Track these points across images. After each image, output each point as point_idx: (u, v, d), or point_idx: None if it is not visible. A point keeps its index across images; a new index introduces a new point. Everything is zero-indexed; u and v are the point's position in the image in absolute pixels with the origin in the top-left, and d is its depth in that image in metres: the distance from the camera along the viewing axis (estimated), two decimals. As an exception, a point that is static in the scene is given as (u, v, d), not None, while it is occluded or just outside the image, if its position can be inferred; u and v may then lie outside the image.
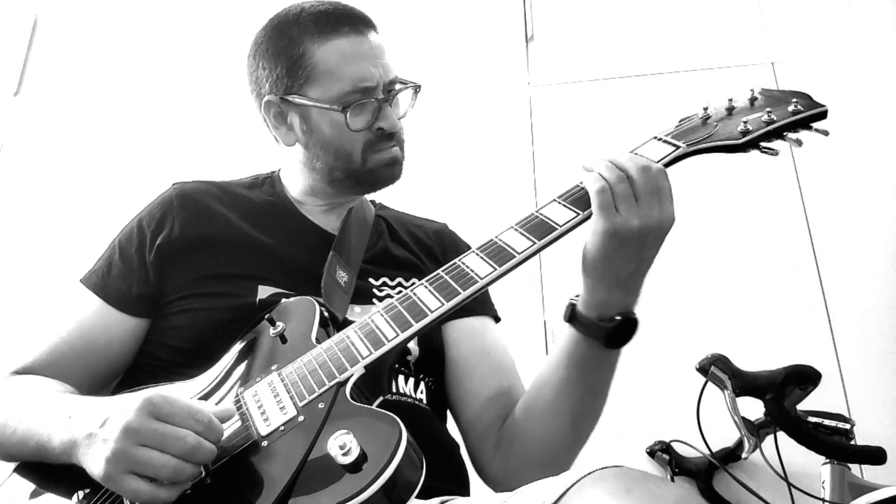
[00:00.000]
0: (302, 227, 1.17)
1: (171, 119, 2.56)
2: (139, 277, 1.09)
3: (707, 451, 1.44)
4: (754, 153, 0.94)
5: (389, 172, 1.14)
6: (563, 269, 2.02)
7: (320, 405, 0.82)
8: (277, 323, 0.96)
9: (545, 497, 0.68)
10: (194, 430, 0.77)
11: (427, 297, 0.89)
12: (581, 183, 0.93)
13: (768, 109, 0.94)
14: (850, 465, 1.51)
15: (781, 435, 1.44)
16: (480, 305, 1.18)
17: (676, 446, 1.76)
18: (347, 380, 0.84)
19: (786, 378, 1.42)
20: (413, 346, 1.08)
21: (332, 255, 1.10)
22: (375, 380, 0.89)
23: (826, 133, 0.93)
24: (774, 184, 2.07)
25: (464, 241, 1.29)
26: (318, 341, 0.92)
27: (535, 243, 0.88)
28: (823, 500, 1.46)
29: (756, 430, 1.52)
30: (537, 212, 0.92)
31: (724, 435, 1.61)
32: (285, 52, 1.12)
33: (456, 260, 0.92)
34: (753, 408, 1.49)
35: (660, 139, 0.97)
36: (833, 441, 1.46)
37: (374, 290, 1.12)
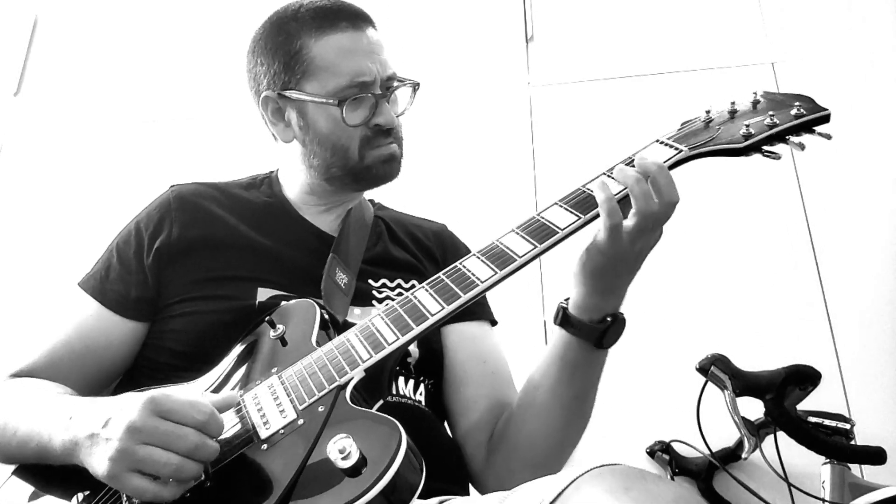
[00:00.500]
0: (300, 228, 1.16)
1: (170, 119, 2.56)
2: (137, 281, 1.08)
3: (707, 451, 1.44)
4: (756, 157, 0.94)
5: (387, 169, 1.13)
6: (563, 269, 2.02)
7: (320, 408, 0.82)
8: (278, 325, 0.96)
9: (543, 495, 0.68)
10: (197, 421, 0.77)
11: (428, 300, 0.89)
12: (582, 186, 0.93)
13: (771, 113, 0.94)
14: (850, 465, 1.51)
15: (781, 435, 1.44)
16: (479, 309, 1.18)
17: (676, 446, 1.76)
18: (347, 383, 0.84)
19: (786, 378, 1.42)
20: (413, 347, 1.08)
21: (332, 257, 1.09)
22: (376, 383, 0.88)
23: (829, 137, 0.93)
24: (774, 183, 2.07)
25: (463, 243, 1.28)
26: (319, 344, 0.92)
27: (536, 247, 0.88)
28: (823, 500, 1.46)
29: (756, 430, 1.52)
30: (538, 215, 0.92)
31: (724, 435, 1.61)
32: (283, 48, 1.12)
33: (457, 263, 0.92)
34: (753, 408, 1.49)
35: (662, 142, 0.97)
36: (833, 441, 1.45)
37: (374, 292, 1.12)
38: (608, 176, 0.92)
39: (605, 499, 0.64)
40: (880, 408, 1.81)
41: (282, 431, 0.81)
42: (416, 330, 0.87)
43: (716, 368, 1.43)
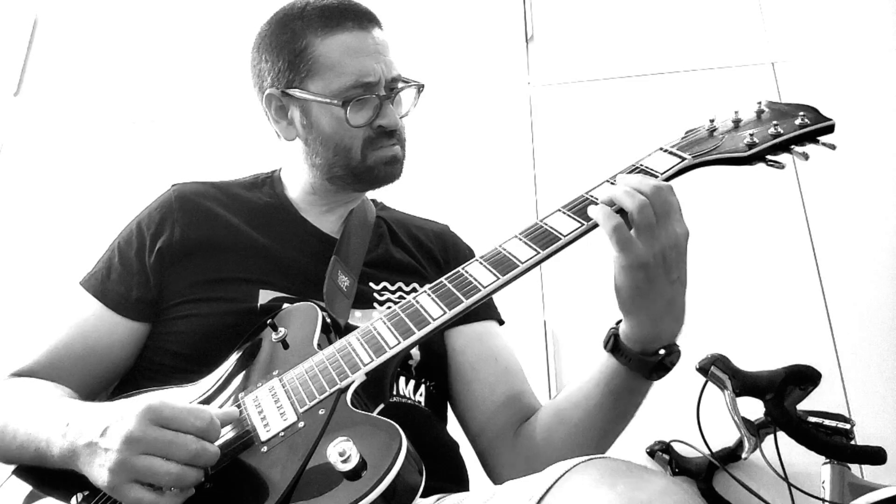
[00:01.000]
0: (302, 229, 1.16)
1: (170, 119, 2.56)
2: (139, 282, 1.08)
3: (707, 451, 1.44)
4: (760, 166, 0.93)
5: (389, 171, 1.13)
6: (564, 270, 2.02)
7: (321, 411, 0.82)
8: (279, 328, 0.95)
9: (532, 492, 0.68)
10: (196, 429, 0.77)
11: (430, 304, 0.89)
12: (586, 193, 0.92)
13: (775, 122, 0.94)
14: (850, 465, 1.51)
15: (781, 435, 1.44)
16: (485, 310, 1.17)
17: (676, 446, 1.76)
18: (348, 387, 0.84)
19: (786, 378, 1.42)
20: (415, 350, 1.07)
21: (334, 260, 1.09)
22: (377, 386, 0.88)
23: (833, 147, 0.93)
24: (774, 184, 2.07)
25: (465, 244, 1.28)
26: (320, 347, 0.92)
27: (538, 253, 0.88)
28: (823, 500, 1.46)
29: (756, 430, 1.52)
30: (541, 221, 0.92)
31: (724, 435, 1.61)
32: (288, 46, 1.11)
33: (459, 268, 0.91)
34: (753, 408, 1.49)
35: (665, 150, 0.96)
36: (833, 441, 1.45)
37: (375, 295, 1.11)
38: (611, 184, 0.92)
39: (592, 489, 0.64)
40: (880, 408, 1.81)
41: (282, 434, 0.81)
42: (418, 334, 0.86)
43: (716, 368, 1.43)
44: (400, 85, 1.12)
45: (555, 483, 0.67)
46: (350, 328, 0.96)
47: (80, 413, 0.85)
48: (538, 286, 2.08)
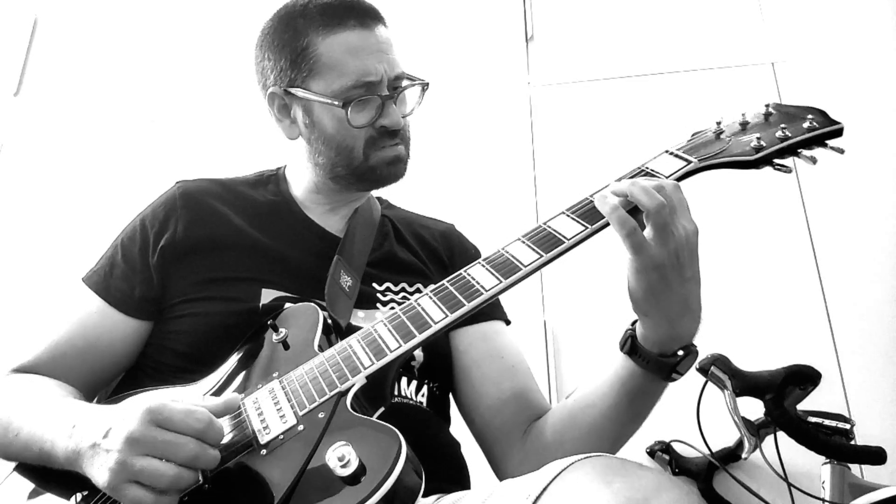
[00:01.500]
0: (305, 228, 1.16)
1: (170, 119, 2.56)
2: (142, 279, 1.07)
3: (707, 451, 1.44)
4: (767, 170, 0.92)
5: (392, 171, 1.12)
6: (564, 270, 2.02)
7: (320, 415, 0.81)
8: (280, 329, 0.95)
9: (529, 490, 0.68)
10: (195, 430, 0.77)
11: (431, 307, 0.88)
12: (590, 196, 0.91)
13: (783, 125, 0.93)
14: (850, 465, 1.51)
15: (781, 435, 1.44)
16: (490, 310, 1.16)
17: (676, 446, 1.76)
18: (348, 390, 0.83)
19: (786, 378, 1.42)
20: (418, 351, 1.07)
21: (337, 260, 1.08)
22: (378, 389, 0.88)
23: (842, 151, 0.91)
24: (774, 184, 2.07)
25: (471, 244, 1.27)
26: (321, 348, 0.92)
27: (541, 256, 0.87)
28: (823, 500, 1.46)
29: (756, 430, 1.52)
30: (545, 224, 0.91)
31: (724, 435, 1.61)
32: (290, 44, 1.10)
33: (461, 271, 0.91)
34: (753, 408, 1.48)
35: (671, 153, 0.95)
36: (833, 441, 1.45)
37: (378, 295, 1.11)
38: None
39: (588, 487, 0.64)
40: (880, 408, 1.81)
41: (281, 437, 0.81)
42: (419, 338, 0.86)
43: (716, 368, 1.43)
44: (404, 84, 1.11)
45: (552, 481, 0.67)
46: (352, 329, 0.95)
47: (85, 415, 0.85)
48: (538, 286, 2.08)
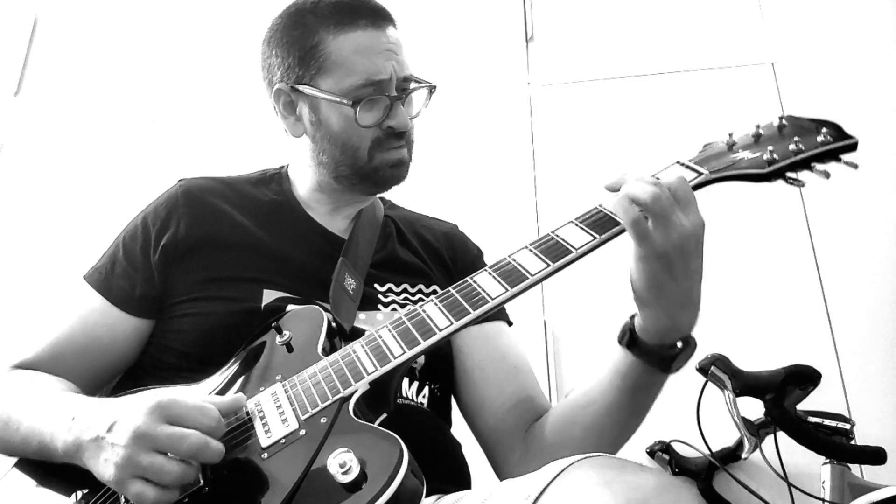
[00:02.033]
0: (308, 229, 1.15)
1: (170, 119, 2.56)
2: (143, 278, 1.07)
3: (707, 451, 1.43)
4: (779, 183, 0.92)
5: (394, 173, 1.12)
6: (564, 270, 2.02)
7: (322, 420, 0.81)
8: (284, 331, 0.94)
9: (529, 490, 0.68)
10: (207, 426, 0.77)
11: (436, 314, 0.87)
12: (600, 206, 0.90)
13: (796, 138, 0.91)
14: (850, 465, 1.51)
15: (781, 435, 1.44)
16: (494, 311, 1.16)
17: (676, 446, 1.76)
18: (351, 395, 0.83)
19: (786, 378, 1.42)
20: None
21: (342, 262, 1.08)
22: (381, 396, 0.87)
23: (855, 166, 0.90)
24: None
25: (474, 244, 1.27)
26: (325, 352, 0.91)
27: (549, 265, 0.87)
28: (823, 500, 1.46)
29: (756, 430, 1.52)
30: (553, 233, 0.90)
31: (724, 435, 1.61)
32: (299, 41, 1.10)
33: (467, 278, 0.90)
34: (753, 408, 1.48)
35: (683, 164, 0.95)
36: (833, 441, 1.45)
37: (380, 297, 1.10)
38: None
39: (589, 487, 0.64)
40: (880, 408, 1.81)
41: (283, 441, 0.81)
42: (423, 345, 0.85)
43: (716, 368, 1.43)
44: (412, 86, 1.11)
45: (552, 481, 0.67)
46: (355, 332, 0.95)
47: (85, 407, 0.85)
48: (538, 287, 2.07)
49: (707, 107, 2.16)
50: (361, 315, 1.06)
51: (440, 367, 1.11)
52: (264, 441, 0.81)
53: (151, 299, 1.07)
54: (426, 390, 1.08)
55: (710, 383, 1.44)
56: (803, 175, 0.92)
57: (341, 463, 0.71)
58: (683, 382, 1.57)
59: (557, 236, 0.89)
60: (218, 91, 2.54)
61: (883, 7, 2.29)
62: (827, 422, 1.50)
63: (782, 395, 1.42)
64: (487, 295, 0.87)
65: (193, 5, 2.74)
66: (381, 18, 1.10)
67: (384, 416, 0.87)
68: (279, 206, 1.17)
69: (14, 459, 0.95)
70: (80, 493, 0.87)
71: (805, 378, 1.44)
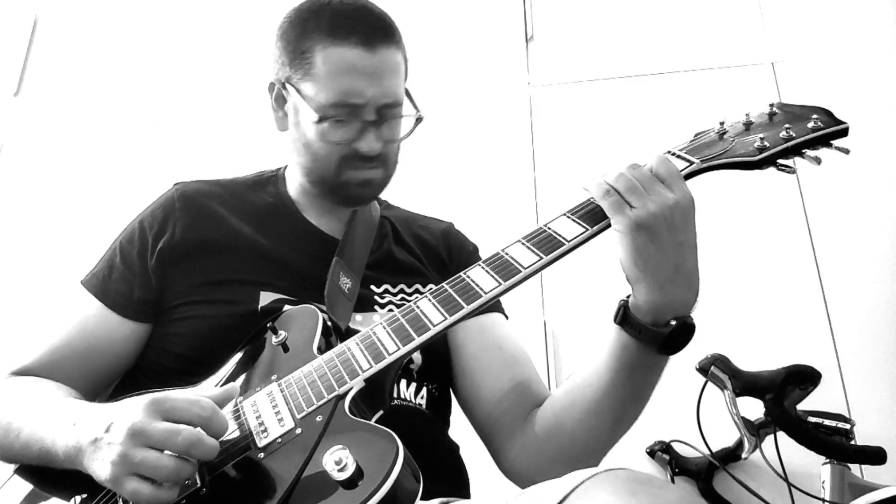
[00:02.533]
0: (304, 230, 1.15)
1: (170, 119, 2.56)
2: (141, 282, 1.07)
3: (707, 451, 1.44)
4: (770, 170, 0.91)
5: (362, 192, 1.11)
6: (563, 270, 2.02)
7: (318, 418, 0.81)
8: (280, 332, 0.95)
9: (549, 499, 0.68)
10: (200, 418, 0.77)
11: (430, 310, 0.87)
12: (591, 198, 0.90)
13: (787, 125, 0.91)
14: (850, 465, 1.51)
15: (781, 435, 1.44)
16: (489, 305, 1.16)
17: (676, 446, 1.76)
18: (346, 393, 0.83)
19: (786, 378, 1.42)
20: (416, 354, 1.06)
21: (336, 262, 1.08)
22: (376, 393, 0.87)
23: (847, 151, 0.90)
24: (774, 183, 2.07)
25: (470, 242, 1.27)
26: (320, 351, 0.91)
27: (541, 258, 0.86)
28: (823, 500, 1.46)
29: (756, 430, 1.52)
30: (545, 226, 0.90)
31: (724, 435, 1.61)
32: (294, 42, 1.09)
33: (461, 273, 0.90)
34: (753, 408, 1.49)
35: (673, 154, 0.95)
36: (833, 441, 1.46)
37: (376, 297, 1.10)
38: None
39: (610, 501, 0.63)
40: (880, 408, 1.81)
41: (279, 440, 0.81)
42: (417, 340, 0.85)
43: (716, 368, 1.43)
44: (392, 112, 1.08)
45: (572, 491, 0.67)
46: (351, 332, 0.95)
47: (86, 412, 0.85)
48: (538, 286, 2.08)
49: (707, 107, 2.16)
50: (358, 317, 1.06)
51: (438, 366, 1.11)
52: (260, 441, 0.81)
53: (149, 303, 1.07)
54: (424, 391, 1.08)
55: (710, 383, 1.44)
56: (795, 162, 0.91)
57: (337, 460, 0.71)
58: (683, 382, 1.58)
59: (550, 229, 0.89)
60: (218, 91, 2.54)
61: (883, 7, 2.29)
62: (827, 422, 1.50)
63: (782, 395, 1.42)
64: (481, 289, 0.87)
65: (193, 6, 2.74)
66: (377, 38, 1.06)
67: (380, 413, 0.87)
68: (275, 208, 1.17)
69: (14, 466, 0.95)
70: (79, 498, 0.87)
71: (805, 378, 1.44)
